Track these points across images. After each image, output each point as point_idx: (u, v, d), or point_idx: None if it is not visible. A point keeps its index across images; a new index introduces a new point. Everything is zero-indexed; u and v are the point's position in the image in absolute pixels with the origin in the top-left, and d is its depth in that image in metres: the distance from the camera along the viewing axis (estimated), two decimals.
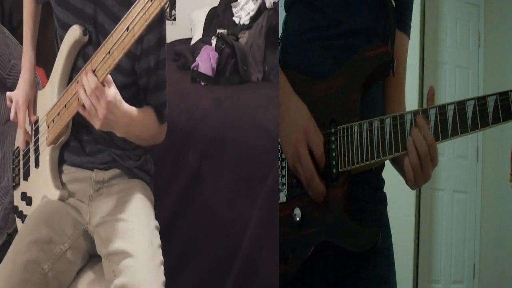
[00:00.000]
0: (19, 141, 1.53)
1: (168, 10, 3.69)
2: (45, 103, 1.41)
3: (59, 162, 1.41)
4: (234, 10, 3.19)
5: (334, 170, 1.11)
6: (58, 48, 1.35)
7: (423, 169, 1.05)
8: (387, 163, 1.26)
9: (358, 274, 1.15)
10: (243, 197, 2.00)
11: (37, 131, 1.44)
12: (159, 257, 1.28)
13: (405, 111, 1.09)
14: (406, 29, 1.32)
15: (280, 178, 1.17)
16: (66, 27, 1.31)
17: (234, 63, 2.68)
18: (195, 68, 2.67)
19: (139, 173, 1.43)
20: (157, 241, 1.31)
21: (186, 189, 2.11)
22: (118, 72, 1.25)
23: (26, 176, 1.49)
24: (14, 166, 1.56)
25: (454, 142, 3.69)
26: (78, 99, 1.22)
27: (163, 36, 1.32)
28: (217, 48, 2.73)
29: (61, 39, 1.33)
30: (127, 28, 1.11)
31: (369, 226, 1.10)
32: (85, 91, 1.17)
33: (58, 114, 1.34)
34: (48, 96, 1.38)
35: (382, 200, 1.25)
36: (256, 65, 2.76)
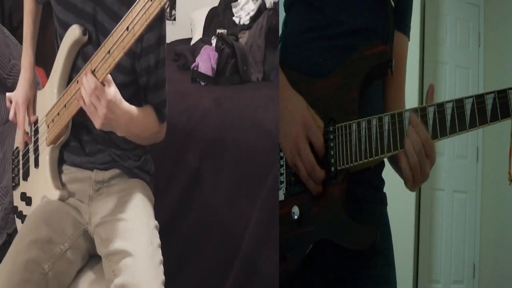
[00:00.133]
0: (18, 141, 1.53)
1: (168, 10, 3.69)
2: (44, 103, 1.41)
3: (59, 162, 1.41)
4: (234, 10, 3.19)
5: (333, 168, 1.11)
6: (58, 48, 1.35)
7: (421, 167, 1.05)
8: (387, 163, 1.27)
9: (358, 274, 1.16)
10: (243, 197, 2.00)
11: (36, 131, 1.44)
12: (159, 256, 1.28)
13: (403, 109, 1.09)
14: (406, 30, 1.32)
15: (278, 176, 1.18)
16: (66, 27, 1.31)
17: (234, 63, 2.68)
18: (195, 68, 2.67)
19: (139, 173, 1.43)
20: (157, 240, 1.31)
21: (186, 189, 2.11)
22: (118, 71, 1.25)
23: (25, 176, 1.49)
24: (13, 166, 1.56)
25: (454, 142, 3.70)
26: (78, 99, 1.22)
27: (163, 35, 1.32)
28: (217, 48, 2.73)
29: (61, 39, 1.33)
30: (127, 28, 1.11)
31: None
32: (85, 90, 1.17)
33: (58, 114, 1.34)
34: (48, 96, 1.38)
35: (382, 200, 1.25)
36: (256, 65, 2.76)
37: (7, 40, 1.85)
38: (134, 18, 1.09)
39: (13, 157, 1.56)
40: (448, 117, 1.04)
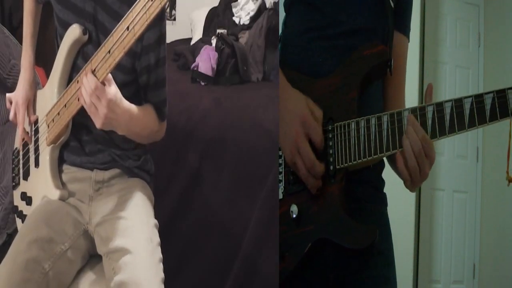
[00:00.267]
0: (18, 141, 1.53)
1: (168, 10, 3.69)
2: (44, 102, 1.41)
3: (59, 162, 1.41)
4: (234, 10, 3.19)
5: (332, 167, 1.11)
6: (58, 47, 1.35)
7: (420, 167, 1.05)
8: (387, 164, 1.27)
9: (358, 274, 1.16)
10: (243, 197, 2.00)
11: (36, 131, 1.44)
12: (158, 254, 1.28)
13: (402, 109, 1.09)
14: (406, 31, 1.32)
15: (277, 176, 1.18)
16: (66, 26, 1.31)
17: (234, 63, 2.68)
18: (195, 68, 2.67)
19: (139, 173, 1.43)
20: (156, 238, 1.31)
21: (186, 189, 2.11)
22: (118, 70, 1.25)
23: (26, 176, 1.49)
24: (13, 166, 1.56)
25: (454, 142, 3.70)
26: (79, 98, 1.22)
27: (163, 34, 1.32)
28: (217, 48, 2.73)
29: (61, 38, 1.33)
30: (128, 28, 1.11)
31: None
32: (85, 90, 1.18)
33: (58, 113, 1.34)
34: (48, 95, 1.38)
35: (382, 200, 1.25)
36: (256, 65, 2.76)
37: (7, 40, 1.85)
38: (135, 17, 1.09)
39: (13, 156, 1.56)
40: (447, 117, 1.04)
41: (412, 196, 3.34)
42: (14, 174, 1.55)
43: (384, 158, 1.25)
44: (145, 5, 1.06)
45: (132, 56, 1.30)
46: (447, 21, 3.84)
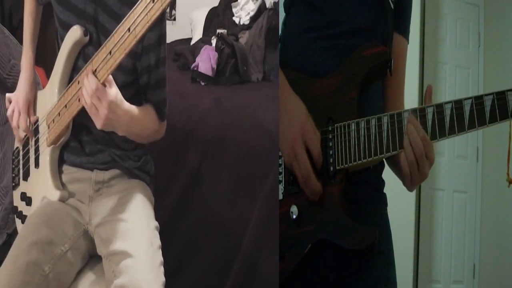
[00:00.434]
0: (18, 141, 1.53)
1: (168, 10, 3.69)
2: (45, 103, 1.41)
3: (59, 162, 1.41)
4: (234, 10, 3.18)
5: (331, 168, 1.11)
6: (59, 48, 1.35)
7: (419, 166, 1.05)
8: (386, 164, 1.27)
9: (358, 274, 1.16)
10: (243, 197, 2.00)
11: (37, 131, 1.44)
12: (159, 257, 1.28)
13: (402, 110, 1.09)
14: (405, 33, 1.32)
15: (277, 176, 1.18)
16: (67, 27, 1.31)
17: (234, 63, 2.68)
18: (195, 68, 2.67)
19: (139, 174, 1.43)
20: (157, 241, 1.31)
21: (186, 189, 2.11)
22: (119, 71, 1.25)
23: (26, 176, 1.49)
24: (13, 166, 1.56)
25: (454, 142, 3.70)
26: (79, 99, 1.22)
27: (163, 34, 1.32)
28: (217, 48, 2.73)
29: (62, 39, 1.33)
30: (129, 29, 1.11)
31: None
32: (86, 91, 1.18)
33: (59, 114, 1.34)
34: (48, 96, 1.38)
35: (382, 201, 1.25)
36: (256, 65, 2.76)
37: (7, 40, 1.85)
38: (136, 19, 1.09)
39: (13, 157, 1.56)
40: (447, 118, 1.04)
41: (412, 196, 3.34)
42: (14, 175, 1.55)
43: (384, 159, 1.25)
44: (146, 6, 1.06)
45: (133, 57, 1.30)
46: (447, 21, 3.84)
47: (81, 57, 1.33)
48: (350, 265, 1.15)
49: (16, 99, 1.44)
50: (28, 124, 1.44)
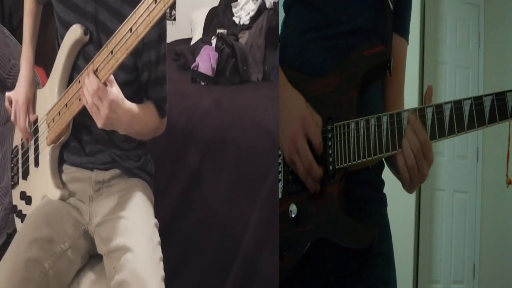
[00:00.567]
0: (17, 140, 1.53)
1: (168, 9, 3.68)
2: (44, 102, 1.41)
3: (59, 162, 1.41)
4: (234, 10, 3.18)
5: (331, 167, 1.11)
6: (59, 47, 1.35)
7: (419, 167, 1.05)
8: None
9: (358, 275, 1.16)
10: (243, 197, 2.00)
11: (36, 130, 1.44)
12: (159, 253, 1.29)
13: (402, 110, 1.09)
14: (405, 34, 1.32)
15: (277, 176, 1.17)
16: (67, 26, 1.31)
17: (234, 63, 2.68)
18: (195, 68, 2.67)
19: (139, 174, 1.43)
20: (157, 238, 1.32)
21: (186, 189, 2.11)
22: (120, 69, 1.25)
23: (25, 175, 1.49)
24: (12, 165, 1.55)
25: (454, 142, 3.70)
26: (80, 99, 1.22)
27: (163, 31, 1.33)
28: (217, 48, 2.73)
29: (62, 38, 1.33)
30: (131, 29, 1.11)
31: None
32: (87, 91, 1.18)
33: (59, 113, 1.34)
34: (48, 95, 1.38)
35: (382, 201, 1.25)
36: (256, 65, 2.76)
37: (7, 40, 1.85)
38: (138, 19, 1.09)
39: (12, 155, 1.56)
40: (447, 118, 1.04)
41: (412, 196, 3.33)
42: (13, 173, 1.55)
43: (384, 160, 1.25)
44: (148, 7, 1.06)
45: (134, 54, 1.30)
46: (447, 21, 3.84)
47: (81, 56, 1.33)
48: (350, 265, 1.15)
49: (16, 97, 1.44)
50: (27, 123, 1.44)
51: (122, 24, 1.13)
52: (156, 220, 1.37)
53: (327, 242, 1.08)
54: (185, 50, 2.96)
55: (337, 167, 1.11)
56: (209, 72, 2.63)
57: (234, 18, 3.15)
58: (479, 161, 3.89)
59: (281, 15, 1.32)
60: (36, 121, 1.44)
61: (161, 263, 1.28)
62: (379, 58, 1.15)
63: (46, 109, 1.39)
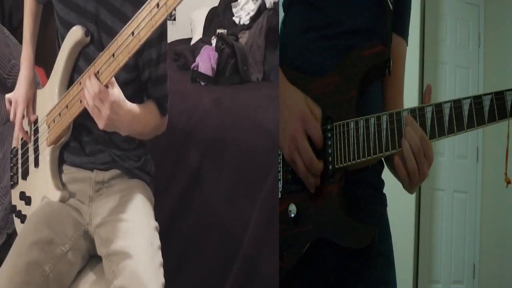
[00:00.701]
0: (15, 140, 1.53)
1: None
2: (44, 103, 1.41)
3: (59, 162, 1.41)
4: (234, 10, 3.18)
5: (330, 167, 1.11)
6: (59, 47, 1.35)
7: (419, 167, 1.05)
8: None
9: (358, 275, 1.15)
10: (243, 197, 2.00)
11: (36, 131, 1.44)
12: (159, 258, 1.28)
13: (401, 109, 1.09)
14: (405, 35, 1.32)
15: (277, 176, 1.17)
16: (67, 26, 1.31)
17: (234, 63, 2.68)
18: (195, 68, 2.67)
19: (139, 174, 1.43)
20: (157, 242, 1.31)
21: (186, 189, 2.11)
22: (121, 69, 1.25)
23: (25, 176, 1.49)
24: (12, 165, 1.55)
25: (454, 142, 3.70)
26: (81, 100, 1.22)
27: (164, 30, 1.33)
28: (217, 48, 2.73)
29: (63, 38, 1.33)
30: (133, 33, 1.11)
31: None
32: (88, 93, 1.18)
33: (59, 114, 1.34)
34: (48, 96, 1.38)
35: (382, 201, 1.25)
36: (256, 65, 2.76)
37: (7, 40, 1.85)
38: (140, 23, 1.09)
39: (12, 155, 1.56)
40: (446, 117, 1.04)
41: (412, 196, 3.33)
42: (12, 173, 1.55)
43: (384, 160, 1.25)
44: (151, 11, 1.06)
45: (135, 54, 1.30)
46: (447, 21, 3.84)
47: (82, 56, 1.33)
48: (349, 265, 1.14)
49: (16, 97, 1.44)
50: (27, 123, 1.44)
51: (124, 28, 1.13)
52: (156, 223, 1.36)
53: (327, 242, 1.08)
54: (185, 50, 2.96)
55: (336, 166, 1.11)
56: (209, 72, 2.63)
57: (234, 18, 3.15)
58: (479, 161, 3.89)
59: (281, 15, 1.32)
60: (36, 121, 1.44)
61: (161, 269, 1.27)
62: (378, 58, 1.15)
63: (46, 109, 1.39)
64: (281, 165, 1.16)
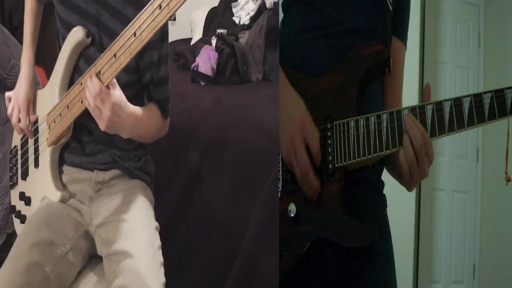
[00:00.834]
0: (16, 140, 1.53)
1: None
2: (44, 103, 1.41)
3: (59, 162, 1.41)
4: (234, 10, 3.18)
5: (330, 166, 1.11)
6: (60, 48, 1.35)
7: (419, 163, 1.05)
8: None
9: (358, 275, 1.15)
10: (243, 197, 2.00)
11: (36, 131, 1.44)
12: (159, 258, 1.28)
13: (402, 108, 1.09)
14: (403, 38, 1.32)
15: (278, 176, 1.17)
16: (68, 27, 1.31)
17: (234, 63, 2.68)
18: (195, 68, 2.67)
19: (140, 174, 1.43)
20: (158, 242, 1.31)
21: (186, 189, 2.11)
22: (122, 70, 1.25)
23: (24, 176, 1.49)
24: (11, 165, 1.55)
25: (454, 142, 3.70)
26: (82, 101, 1.22)
27: (165, 31, 1.32)
28: (217, 48, 2.73)
29: (63, 39, 1.33)
30: (135, 34, 1.11)
31: None
32: (89, 93, 1.18)
33: (60, 115, 1.33)
34: (48, 96, 1.38)
35: (382, 202, 1.25)
36: (256, 65, 2.76)
37: (7, 40, 1.85)
38: (142, 24, 1.09)
39: (11, 155, 1.56)
40: (447, 115, 1.04)
41: (412, 196, 3.34)
42: (11, 173, 1.54)
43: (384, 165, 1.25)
44: (153, 12, 1.06)
45: (136, 56, 1.30)
46: (447, 21, 3.84)
47: (83, 57, 1.33)
48: (350, 265, 1.14)
49: (16, 97, 1.44)
50: (27, 122, 1.44)
51: (126, 28, 1.13)
52: (156, 223, 1.36)
53: (327, 242, 1.08)
54: (185, 50, 2.96)
55: (336, 165, 1.11)
56: (209, 72, 2.63)
57: (234, 18, 3.15)
58: (479, 161, 3.89)
59: (281, 15, 1.32)
60: (36, 121, 1.44)
61: (162, 268, 1.27)
62: (378, 57, 1.15)
63: (46, 110, 1.39)
64: (280, 165, 1.16)
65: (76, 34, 1.29)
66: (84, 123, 1.34)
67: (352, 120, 1.11)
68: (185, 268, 1.99)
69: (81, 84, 1.25)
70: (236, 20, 3.12)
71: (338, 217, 1.08)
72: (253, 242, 1.93)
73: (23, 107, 1.43)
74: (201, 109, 2.27)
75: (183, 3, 1.00)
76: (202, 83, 2.63)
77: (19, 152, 1.52)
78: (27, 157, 1.48)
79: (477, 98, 1.03)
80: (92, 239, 1.35)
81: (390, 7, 1.24)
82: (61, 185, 1.39)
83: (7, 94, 1.47)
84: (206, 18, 3.33)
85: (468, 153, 3.86)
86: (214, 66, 2.65)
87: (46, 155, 1.40)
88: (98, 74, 1.18)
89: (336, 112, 1.14)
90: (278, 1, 2.92)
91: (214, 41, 2.82)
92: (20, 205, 1.49)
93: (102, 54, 1.18)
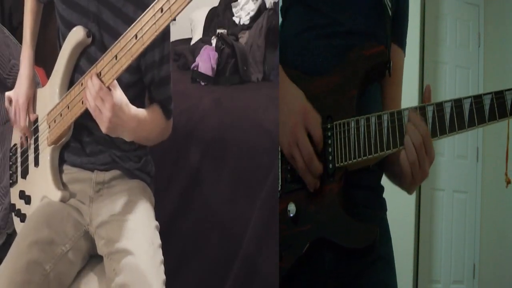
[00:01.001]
0: (16, 139, 1.53)
1: None
2: (44, 102, 1.41)
3: (59, 162, 1.41)
4: (234, 10, 3.18)
5: (331, 166, 1.11)
6: (60, 47, 1.35)
7: (420, 163, 1.05)
8: None
9: (358, 279, 1.15)
10: (243, 197, 2.00)
11: (36, 130, 1.44)
12: (160, 256, 1.29)
13: (402, 108, 1.09)
14: (402, 45, 1.32)
15: (278, 176, 1.17)
16: (69, 25, 1.31)
17: (234, 63, 2.68)
18: (195, 68, 2.67)
19: (140, 175, 1.43)
20: (158, 240, 1.32)
21: (186, 189, 2.11)
22: (124, 71, 1.25)
23: (24, 174, 1.49)
24: (11, 163, 1.55)
25: (454, 142, 3.70)
26: (83, 101, 1.22)
27: (167, 30, 1.32)
28: (217, 48, 2.73)
29: (64, 38, 1.32)
30: (136, 36, 1.11)
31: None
32: (90, 93, 1.17)
33: (60, 114, 1.33)
34: (48, 96, 1.38)
35: (381, 205, 1.25)
36: (256, 65, 2.76)
37: (7, 40, 1.85)
38: (143, 26, 1.09)
39: (11, 154, 1.56)
40: (447, 116, 1.04)
41: (412, 196, 3.33)
42: (11, 172, 1.54)
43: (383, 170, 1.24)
44: (154, 15, 1.06)
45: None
46: (447, 21, 3.85)
47: (83, 57, 1.33)
48: (350, 265, 1.14)
49: (16, 96, 1.44)
50: (27, 122, 1.44)
51: (127, 30, 1.13)
52: (157, 223, 1.36)
53: (326, 242, 1.08)
54: (185, 50, 2.96)
55: (337, 165, 1.11)
56: (209, 72, 2.63)
57: (234, 18, 3.15)
58: (479, 161, 3.89)
59: (280, 19, 1.32)
60: (36, 120, 1.44)
61: (162, 266, 1.27)
62: (379, 58, 1.15)
63: (46, 109, 1.39)
64: (279, 164, 1.16)
65: (77, 34, 1.29)
66: (84, 123, 1.34)
67: (353, 120, 1.11)
68: (185, 268, 1.99)
69: (82, 84, 1.25)
70: (236, 20, 3.12)
71: (338, 217, 1.08)
72: (253, 242, 1.93)
73: (23, 106, 1.43)
74: (201, 109, 2.26)
75: (185, 7, 1.00)
76: (202, 83, 2.63)
77: (19, 150, 1.52)
78: (27, 155, 1.48)
79: (477, 99, 1.03)
80: (92, 239, 1.35)
81: (390, 12, 1.24)
82: (61, 185, 1.39)
83: (7, 94, 1.47)
84: (206, 18, 3.33)
85: (468, 153, 3.86)
86: (214, 66, 2.65)
87: (46, 154, 1.40)
88: (99, 75, 1.18)
89: (336, 112, 1.14)
90: (278, 1, 2.92)
91: (214, 41, 2.82)
92: (20, 204, 1.49)
93: (103, 55, 1.18)
